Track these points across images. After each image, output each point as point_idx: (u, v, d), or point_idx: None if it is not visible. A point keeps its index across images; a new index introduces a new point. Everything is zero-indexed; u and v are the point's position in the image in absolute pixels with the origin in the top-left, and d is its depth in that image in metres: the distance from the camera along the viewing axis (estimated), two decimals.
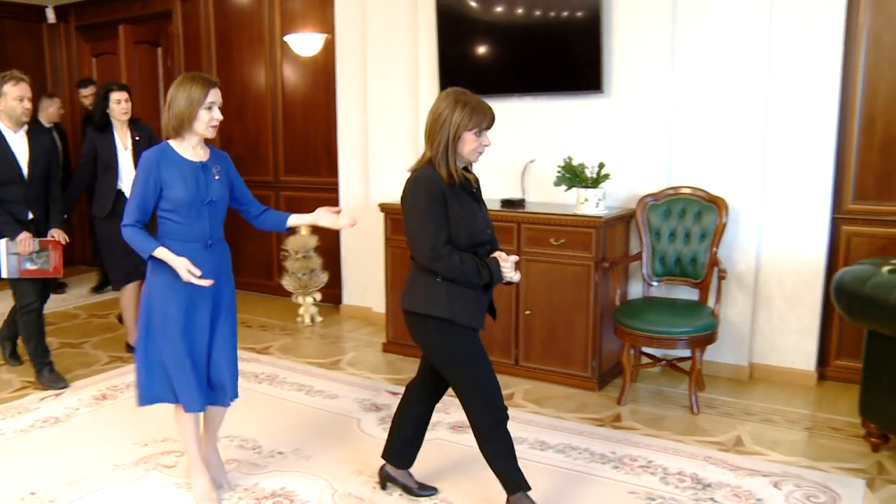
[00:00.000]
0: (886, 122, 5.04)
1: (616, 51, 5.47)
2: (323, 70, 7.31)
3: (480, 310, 3.45)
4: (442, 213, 3.28)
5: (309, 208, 3.87)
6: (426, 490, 3.85)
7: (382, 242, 6.05)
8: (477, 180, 3.51)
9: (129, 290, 5.91)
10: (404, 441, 3.80)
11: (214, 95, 3.45)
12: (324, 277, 6.94)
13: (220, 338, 3.67)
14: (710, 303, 5.08)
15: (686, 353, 5.04)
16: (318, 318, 7.04)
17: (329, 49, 7.10)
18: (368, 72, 6.67)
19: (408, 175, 3.43)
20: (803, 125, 5.13)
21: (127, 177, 5.70)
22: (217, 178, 3.58)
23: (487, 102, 3.37)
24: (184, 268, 3.40)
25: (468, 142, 3.32)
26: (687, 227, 5.21)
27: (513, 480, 3.46)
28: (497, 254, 3.39)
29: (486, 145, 3.38)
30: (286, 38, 7.24)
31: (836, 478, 4.00)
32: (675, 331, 4.73)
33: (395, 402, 5.01)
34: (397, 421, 3.82)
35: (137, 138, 5.84)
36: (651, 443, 4.40)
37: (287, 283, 6.98)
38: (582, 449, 4.32)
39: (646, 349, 5.24)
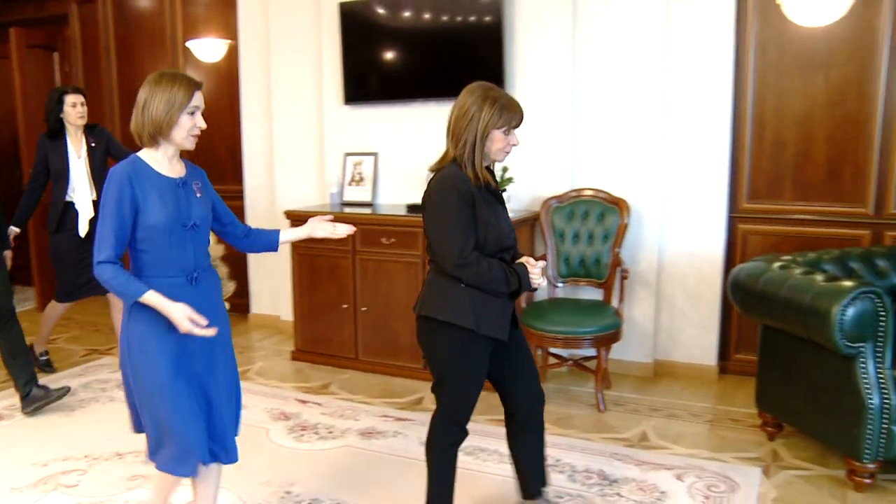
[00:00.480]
0: (775, 126, 5.25)
1: (518, 55, 5.56)
2: (227, 76, 7.21)
3: (505, 319, 3.22)
4: (471, 217, 3.05)
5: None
6: None
7: (289, 249, 5.99)
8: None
9: (62, 309, 5.72)
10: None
11: (199, 99, 2.90)
12: (231, 287, 6.81)
13: (221, 387, 3.07)
14: (615, 302, 5.21)
15: (592, 352, 5.14)
16: None
17: (233, 55, 7.01)
18: (272, 78, 6.61)
19: (429, 174, 3.25)
20: (699, 128, 5.31)
21: (80, 187, 5.40)
22: (199, 195, 3.00)
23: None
24: (184, 317, 2.78)
25: (496, 140, 3.12)
26: (590, 229, 5.32)
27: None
28: (524, 259, 3.19)
29: (513, 144, 3.18)
30: (188, 44, 7.13)
31: (734, 467, 4.15)
32: (581, 331, 4.83)
33: (304, 410, 5.00)
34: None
35: (93, 145, 5.49)
36: (559, 442, 4.46)
37: None
38: (491, 451, 4.35)
39: (553, 350, 5.32)
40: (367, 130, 6.10)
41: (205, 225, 3.01)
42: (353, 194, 6.14)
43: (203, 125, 2.92)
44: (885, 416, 3.75)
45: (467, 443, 4.38)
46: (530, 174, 5.58)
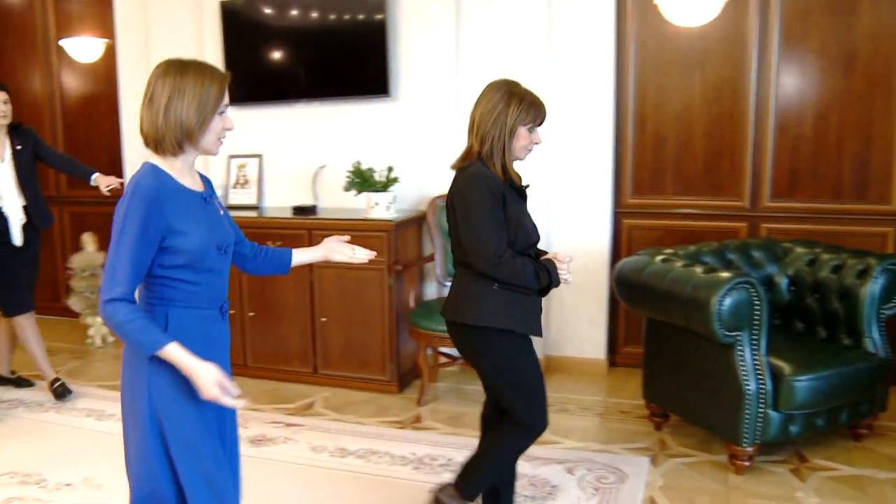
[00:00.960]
0: (656, 123, 5.39)
1: (403, 55, 5.53)
2: (105, 77, 6.94)
3: (538, 315, 3.19)
4: (502, 215, 3.01)
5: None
6: None
7: None
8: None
9: (28, 324, 5.22)
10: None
11: (226, 95, 2.45)
12: None
13: (231, 438, 2.67)
14: None
15: None
16: (110, 339, 6.67)
17: (110, 55, 6.76)
18: None
19: (452, 172, 3.21)
20: (583, 125, 5.40)
21: (7, 193, 4.99)
22: (221, 213, 2.58)
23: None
24: (212, 381, 2.28)
25: (522, 138, 3.11)
26: None
27: (476, 488, 3.33)
28: (552, 254, 3.16)
29: (536, 143, 3.17)
30: (62, 43, 6.84)
31: (623, 458, 4.23)
32: None
33: None
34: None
35: (19, 147, 5.07)
36: (451, 441, 4.47)
37: (74, 302, 6.59)
38: (382, 453, 4.32)
39: (443, 349, 5.31)
40: (252, 132, 5.96)
41: (230, 247, 2.58)
42: (237, 197, 6.01)
43: (233, 126, 2.48)
44: (761, 401, 3.88)
45: (358, 445, 4.38)
46: (416, 174, 5.56)
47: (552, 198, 5.49)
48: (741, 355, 3.87)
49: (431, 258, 5.39)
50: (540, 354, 5.49)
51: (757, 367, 3.89)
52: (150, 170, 2.36)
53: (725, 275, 3.85)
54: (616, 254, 5.48)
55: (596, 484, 3.93)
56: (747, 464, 4.01)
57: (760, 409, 3.89)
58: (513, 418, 3.21)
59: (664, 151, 5.41)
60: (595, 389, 5.28)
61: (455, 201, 3.11)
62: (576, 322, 5.58)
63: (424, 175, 5.56)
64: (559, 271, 3.10)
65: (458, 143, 5.40)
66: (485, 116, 3.10)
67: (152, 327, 2.28)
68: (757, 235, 5.27)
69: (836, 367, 4.06)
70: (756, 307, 3.84)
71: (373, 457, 4.29)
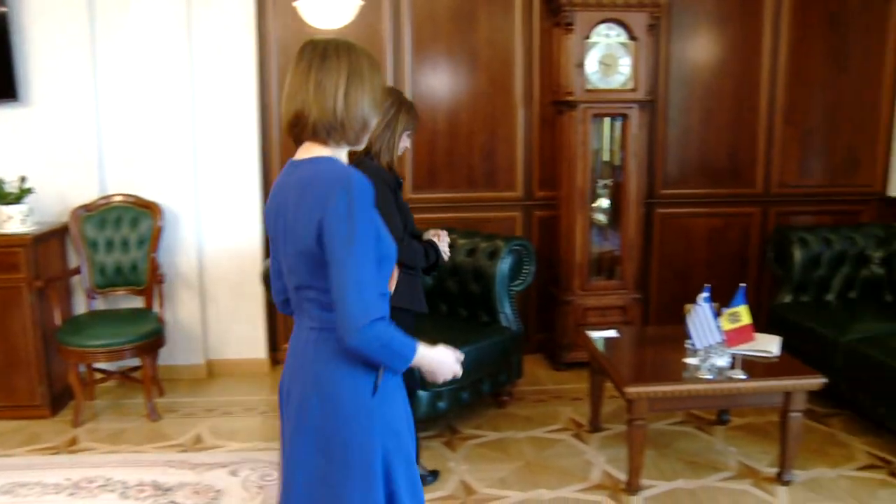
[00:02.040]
0: None
1: (32, 56, 5.13)
2: None
3: (422, 293, 3.50)
4: (395, 203, 3.37)
5: None
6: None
7: None
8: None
9: None
10: None
11: None
12: None
13: None
14: (157, 308, 5.09)
15: (139, 361, 4.98)
16: None
17: None
18: None
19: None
20: (229, 128, 5.38)
21: None
22: None
23: None
24: (455, 359, 2.27)
25: (403, 140, 3.54)
26: (124, 236, 5.13)
27: None
28: (432, 233, 3.52)
29: (408, 146, 3.59)
30: None
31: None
32: (119, 341, 4.63)
33: None
34: None
35: None
36: (109, 460, 4.28)
37: None
38: (33, 483, 4.03)
39: (97, 365, 5.06)
40: None
41: None
42: None
43: None
44: (410, 381, 4.11)
45: (3, 480, 4.05)
46: (56, 183, 5.19)
47: (201, 199, 5.41)
48: None
49: (78, 271, 5.10)
50: (201, 360, 5.46)
51: None
52: (346, 165, 2.11)
53: None
54: (268, 252, 5.52)
55: (260, 482, 3.96)
56: None
57: (409, 390, 4.12)
58: None
59: None
60: (258, 389, 5.31)
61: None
62: (234, 324, 5.56)
63: (66, 184, 5.20)
64: (441, 248, 3.50)
65: (100, 150, 5.24)
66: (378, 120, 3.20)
67: (405, 335, 2.08)
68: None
69: (475, 343, 4.43)
70: None
71: (21, 490, 3.98)
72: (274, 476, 4.01)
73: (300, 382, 2.15)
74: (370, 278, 1.97)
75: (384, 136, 3.47)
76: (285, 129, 2.16)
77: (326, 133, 2.09)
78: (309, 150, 2.13)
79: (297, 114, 2.09)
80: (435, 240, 3.51)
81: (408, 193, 5.58)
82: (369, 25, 5.43)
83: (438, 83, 5.59)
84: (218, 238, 5.45)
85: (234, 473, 4.07)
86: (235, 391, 5.26)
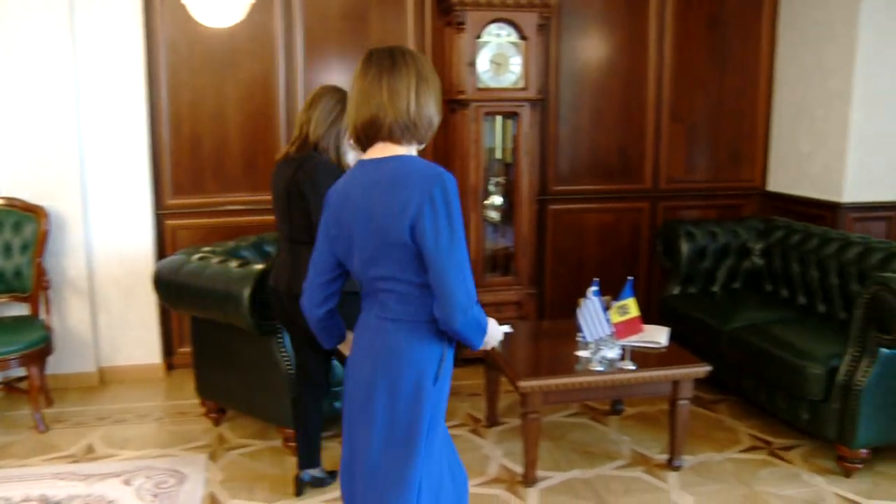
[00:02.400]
0: (192, 123, 5.41)
1: None
2: None
3: None
4: None
5: None
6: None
7: None
8: None
9: None
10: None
11: None
12: None
13: None
14: (44, 315, 4.93)
15: (24, 371, 4.80)
16: None
17: None
18: None
19: (288, 159, 3.64)
20: (117, 128, 5.25)
21: None
22: None
23: None
24: (500, 327, 2.57)
25: (348, 138, 3.42)
26: (6, 240, 4.93)
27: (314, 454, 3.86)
28: None
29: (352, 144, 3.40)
30: None
31: (182, 459, 4.24)
32: (3, 351, 4.46)
33: None
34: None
35: None
36: None
37: None
38: None
39: None
40: None
41: None
42: None
43: None
44: None
45: None
46: None
47: (90, 202, 5.25)
48: (280, 342, 4.06)
49: None
50: (92, 367, 5.31)
51: None
52: (429, 161, 2.33)
53: (257, 267, 4.00)
54: (162, 256, 5.40)
55: (155, 490, 3.89)
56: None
57: None
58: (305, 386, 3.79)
59: (202, 151, 5.45)
60: (153, 394, 5.19)
61: (306, 187, 3.50)
62: (126, 329, 5.41)
63: None
64: None
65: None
66: (323, 117, 3.61)
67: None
68: None
69: None
70: None
71: None
72: (170, 482, 3.95)
73: (370, 368, 2.37)
74: (468, 265, 2.25)
75: (330, 133, 3.63)
76: (357, 131, 2.35)
77: (401, 133, 2.32)
78: (383, 150, 2.34)
79: (373, 117, 2.30)
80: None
81: None
82: (260, 24, 5.38)
83: (330, 82, 5.52)
84: (108, 241, 5.31)
85: (127, 483, 3.98)
86: (129, 398, 5.14)
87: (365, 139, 2.36)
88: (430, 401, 2.36)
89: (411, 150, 2.39)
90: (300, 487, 3.87)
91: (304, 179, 3.53)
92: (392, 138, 2.33)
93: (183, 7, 4.88)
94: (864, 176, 5.50)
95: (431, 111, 2.37)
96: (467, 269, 2.24)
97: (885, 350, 3.83)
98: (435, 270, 2.21)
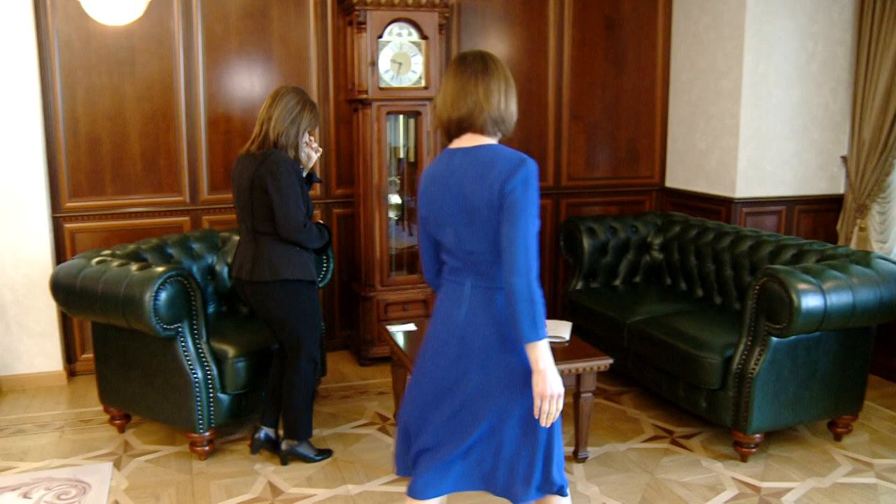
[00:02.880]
0: (90, 123, 5.28)
1: None
2: None
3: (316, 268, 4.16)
4: (302, 192, 3.90)
5: None
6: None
7: None
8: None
9: None
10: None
11: None
12: None
13: None
14: None
15: None
16: None
17: None
18: None
19: (249, 155, 3.96)
20: (8, 129, 5.07)
21: None
22: None
23: None
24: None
25: (304, 138, 4.05)
26: None
27: (306, 426, 4.16)
28: (307, 140, 4.11)
29: (308, 142, 4.12)
30: None
31: (85, 468, 4.14)
32: None
33: None
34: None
35: None
36: None
37: None
38: None
39: None
40: None
41: None
42: None
43: None
44: (210, 386, 4.08)
45: None
46: None
47: None
48: (184, 346, 4.02)
49: None
50: None
51: (201, 354, 4.08)
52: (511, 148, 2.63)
53: (158, 270, 3.95)
54: (60, 261, 5.27)
55: (56, 502, 3.79)
56: (207, 448, 4.20)
57: (210, 394, 4.09)
58: (299, 354, 4.05)
59: (101, 152, 5.33)
60: (54, 403, 5.05)
61: (267, 181, 3.83)
62: (25, 336, 5.26)
63: None
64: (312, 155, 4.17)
65: None
66: (283, 116, 3.93)
67: None
68: (199, 227, 5.48)
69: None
70: (192, 298, 4.01)
71: None
72: (72, 493, 3.85)
73: (479, 331, 2.66)
74: (534, 239, 2.50)
75: (289, 132, 3.94)
76: (450, 123, 2.65)
77: (492, 126, 2.65)
78: (472, 140, 2.66)
79: (469, 113, 2.62)
80: (311, 153, 4.15)
81: (204, 194, 5.54)
82: (159, 22, 5.29)
83: (232, 82, 5.51)
84: (2, 245, 5.13)
85: (26, 496, 3.86)
86: (29, 408, 4.99)
87: (456, 131, 2.68)
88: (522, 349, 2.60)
89: (494, 141, 2.68)
90: (284, 458, 4.19)
91: (265, 175, 3.84)
92: (483, 131, 2.65)
93: (76, 4, 4.79)
94: (754, 172, 5.74)
95: (514, 108, 2.70)
96: (533, 240, 2.50)
97: (774, 339, 3.99)
98: (507, 240, 2.50)
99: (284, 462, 4.17)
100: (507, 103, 2.67)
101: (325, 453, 4.27)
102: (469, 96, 2.62)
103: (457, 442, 2.68)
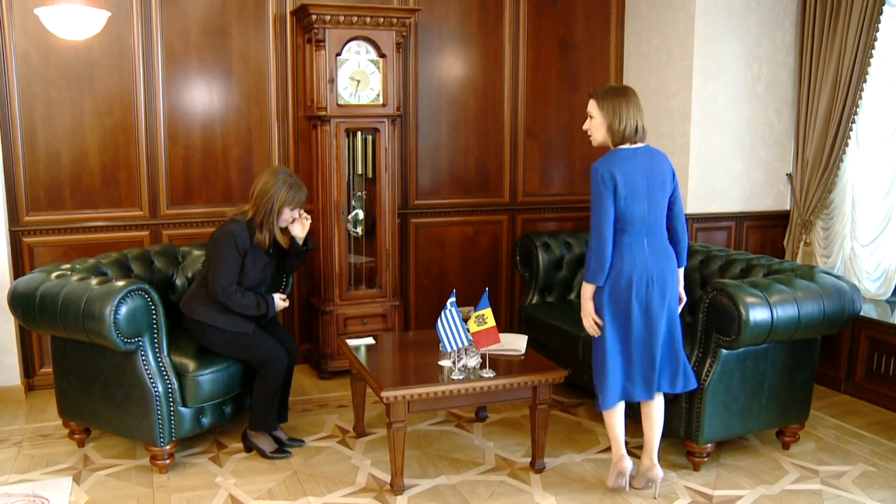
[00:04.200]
0: (48, 137, 5.27)
1: None
2: None
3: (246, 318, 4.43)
4: (239, 263, 4.32)
5: None
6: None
7: None
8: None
9: None
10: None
11: None
12: None
13: None
14: None
15: None
16: None
17: None
18: None
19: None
20: None
21: None
22: None
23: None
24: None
25: (284, 213, 4.39)
26: None
27: (262, 419, 4.46)
28: (276, 295, 4.51)
29: (297, 216, 4.50)
30: None
31: (44, 483, 4.11)
32: None
33: None
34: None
35: None
36: None
37: None
38: None
39: None
40: None
41: None
42: None
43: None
44: (170, 399, 4.10)
45: None
46: None
47: None
48: (144, 359, 4.03)
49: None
50: None
51: (162, 368, 4.10)
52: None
53: (119, 284, 3.97)
54: (20, 274, 5.23)
55: None
56: (168, 462, 4.20)
57: (171, 408, 4.11)
58: (263, 367, 4.40)
59: (60, 166, 5.32)
60: (11, 418, 5.01)
61: (210, 242, 4.39)
62: None
63: None
64: (277, 302, 4.49)
65: None
66: (261, 194, 4.32)
67: None
68: (159, 242, 5.50)
69: (231, 357, 4.44)
70: (153, 311, 4.04)
71: None
72: None
73: (664, 275, 3.85)
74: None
75: (263, 208, 4.32)
76: (631, 131, 3.79)
77: (644, 135, 3.85)
78: (635, 143, 3.83)
79: (641, 127, 3.82)
80: (276, 297, 4.51)
81: (164, 209, 5.56)
82: (119, 37, 5.31)
83: (192, 98, 5.55)
84: None
85: None
86: None
87: (632, 137, 3.80)
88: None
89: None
90: (248, 446, 4.53)
91: (214, 236, 4.39)
92: (643, 139, 3.86)
93: (34, 18, 4.79)
94: (704, 189, 5.91)
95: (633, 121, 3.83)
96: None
97: (724, 350, 4.10)
98: (676, 211, 3.93)
99: (248, 450, 4.51)
100: (625, 118, 3.83)
101: (282, 454, 4.45)
102: (635, 116, 3.81)
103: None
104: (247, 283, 4.37)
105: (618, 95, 3.78)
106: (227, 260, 4.26)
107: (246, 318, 4.37)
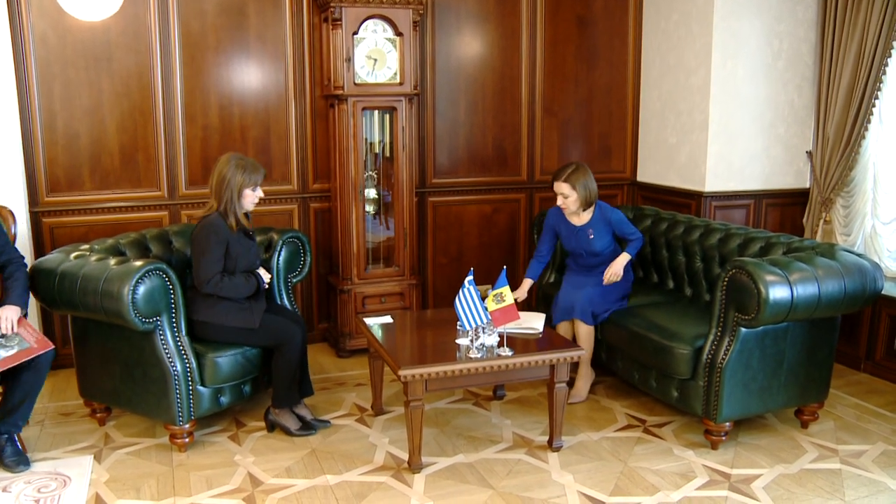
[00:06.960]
0: (67, 119, 5.29)
1: None
2: None
3: (252, 312, 4.44)
4: (222, 253, 4.32)
5: None
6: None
7: None
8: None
9: None
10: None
11: None
12: None
13: None
14: None
15: None
16: None
17: None
18: None
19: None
20: None
21: None
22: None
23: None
24: None
25: (247, 196, 4.42)
26: None
27: (285, 395, 4.49)
28: (260, 270, 4.56)
29: (260, 196, 4.50)
30: None
31: (65, 461, 4.16)
32: None
33: None
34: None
35: None
36: None
37: None
38: None
39: None
40: None
41: None
42: None
43: None
44: (189, 378, 4.14)
45: None
46: None
47: None
48: (163, 339, 4.07)
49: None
50: None
51: (180, 347, 4.13)
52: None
53: (137, 264, 3.99)
54: (40, 255, 5.26)
55: (36, 496, 3.80)
56: (187, 440, 4.24)
57: (189, 387, 4.14)
58: (279, 349, 4.44)
59: (79, 147, 5.35)
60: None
61: (191, 243, 4.41)
62: None
63: None
64: (263, 278, 4.52)
65: None
66: (219, 183, 4.34)
67: None
68: (178, 222, 5.52)
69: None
70: (171, 291, 4.06)
71: None
72: (52, 486, 3.87)
73: None
74: None
75: (225, 196, 4.34)
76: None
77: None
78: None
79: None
80: (261, 273, 4.54)
81: (182, 189, 5.59)
82: (135, 17, 5.31)
83: (209, 78, 5.55)
84: None
85: (6, 490, 3.86)
86: None
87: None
88: None
89: None
90: (271, 425, 4.57)
91: (192, 235, 4.43)
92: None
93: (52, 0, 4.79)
94: (723, 167, 5.86)
95: None
96: None
97: (743, 329, 4.08)
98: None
99: (270, 429, 4.55)
100: None
101: (308, 431, 4.48)
102: None
103: None
104: (240, 268, 4.40)
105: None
106: (209, 253, 4.27)
107: (248, 310, 4.37)
